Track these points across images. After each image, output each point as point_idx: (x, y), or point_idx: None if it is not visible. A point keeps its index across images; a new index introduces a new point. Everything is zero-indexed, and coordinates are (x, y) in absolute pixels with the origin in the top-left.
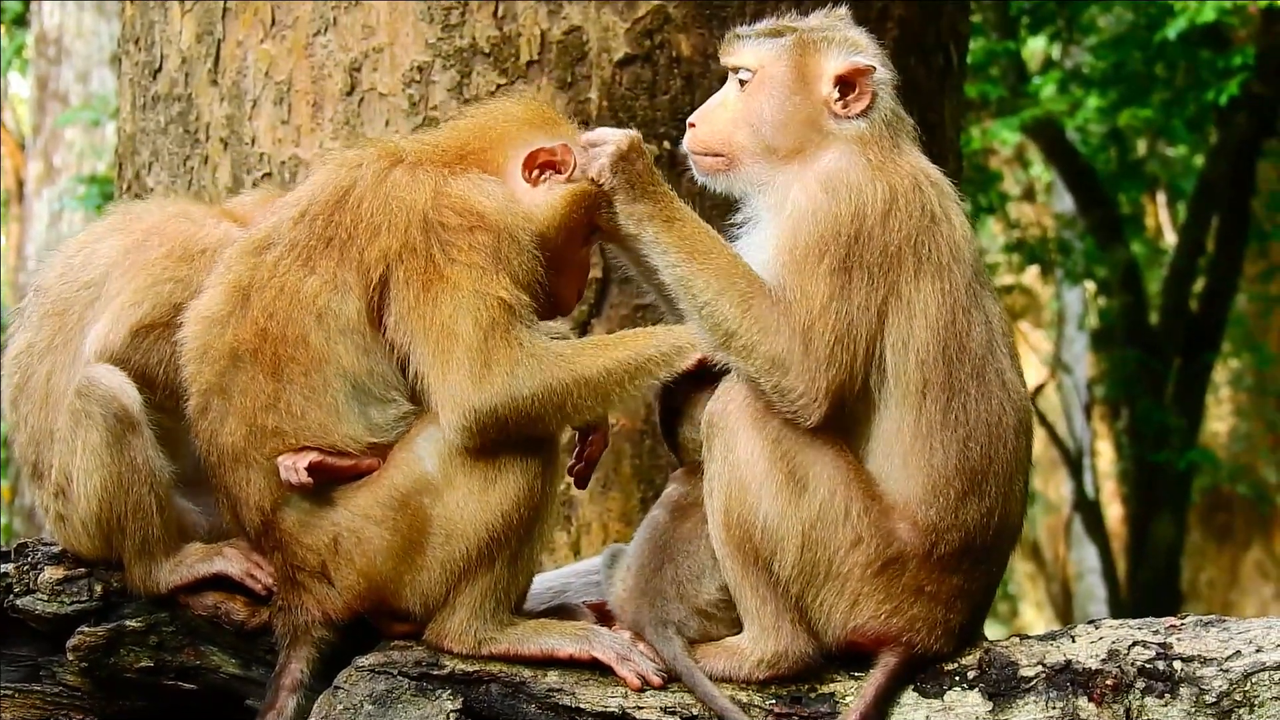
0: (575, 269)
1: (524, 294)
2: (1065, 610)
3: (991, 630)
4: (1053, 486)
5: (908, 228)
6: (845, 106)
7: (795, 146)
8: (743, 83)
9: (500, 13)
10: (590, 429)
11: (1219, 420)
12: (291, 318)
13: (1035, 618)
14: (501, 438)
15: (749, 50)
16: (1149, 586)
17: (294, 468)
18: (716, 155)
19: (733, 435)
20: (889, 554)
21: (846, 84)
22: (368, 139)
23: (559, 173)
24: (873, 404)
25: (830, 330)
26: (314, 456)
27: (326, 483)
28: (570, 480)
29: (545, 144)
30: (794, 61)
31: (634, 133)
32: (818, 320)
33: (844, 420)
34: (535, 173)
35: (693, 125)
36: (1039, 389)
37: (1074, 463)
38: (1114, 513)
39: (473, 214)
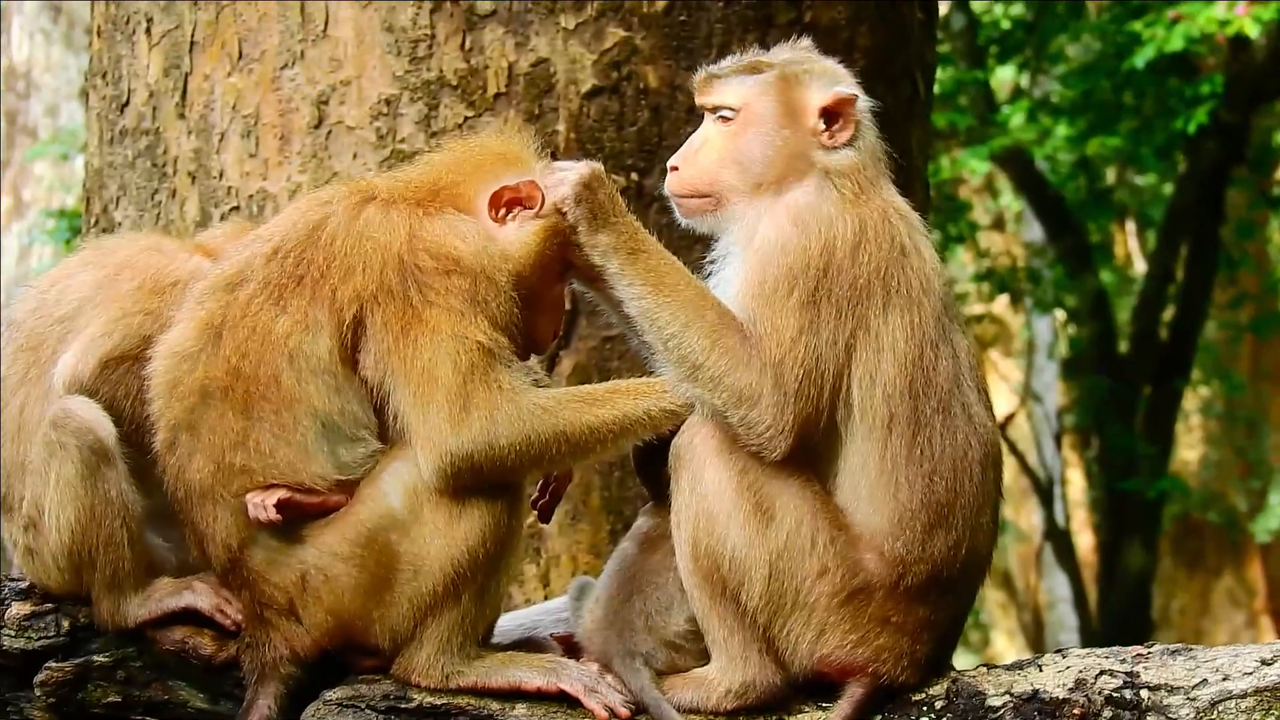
0: (550, 307)
1: (502, 336)
2: (1037, 639)
3: (963, 659)
4: (1023, 515)
5: (877, 260)
6: (831, 137)
7: (780, 180)
8: (725, 120)
9: (467, 45)
10: None
11: (1189, 448)
12: (264, 358)
13: (1007, 646)
14: (475, 483)
15: (729, 88)
16: (1120, 615)
17: (263, 505)
18: (704, 196)
19: (700, 467)
20: (855, 584)
21: (831, 115)
22: (341, 178)
23: (527, 208)
24: (839, 437)
25: (799, 364)
26: (282, 494)
27: (294, 520)
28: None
29: (510, 181)
30: (778, 96)
31: (595, 163)
32: (788, 354)
33: (810, 453)
34: (502, 211)
35: (675, 169)
36: (1009, 418)
37: (1044, 491)
38: (1085, 541)
39: (448, 258)
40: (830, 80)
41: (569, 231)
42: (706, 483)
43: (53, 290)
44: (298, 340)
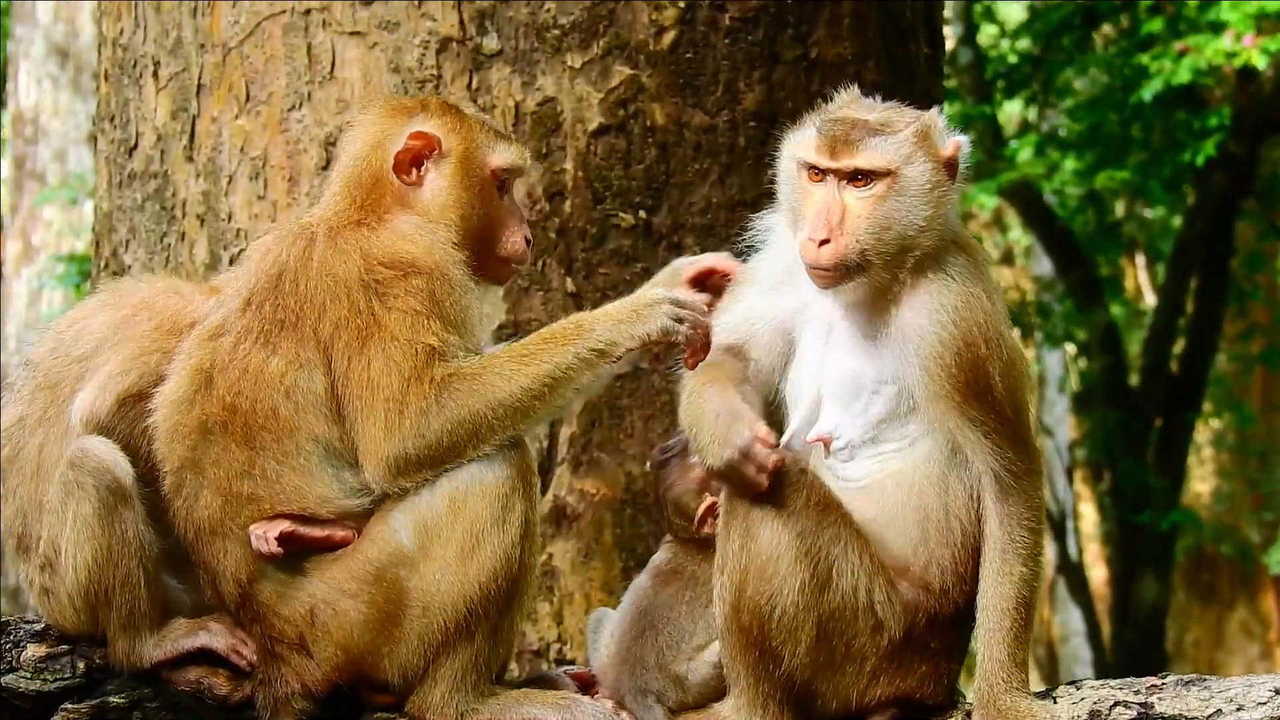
0: (506, 220)
1: (454, 335)
2: (1051, 672)
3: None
4: None
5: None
6: (946, 195)
7: (933, 243)
8: (863, 184)
9: (474, 84)
10: None
11: (1201, 480)
12: (259, 396)
13: None
14: (422, 475)
15: (875, 150)
16: (1134, 648)
17: (264, 537)
18: (857, 268)
19: (755, 523)
20: (907, 627)
21: (952, 166)
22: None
23: (431, 152)
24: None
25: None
26: (285, 526)
27: (300, 553)
28: (551, 552)
29: (397, 146)
30: (925, 154)
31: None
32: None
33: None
34: (415, 173)
35: (824, 242)
36: None
37: (1057, 525)
38: (1098, 574)
39: (403, 262)
40: (940, 129)
41: (474, 147)
42: (761, 541)
43: (70, 330)
44: (293, 378)
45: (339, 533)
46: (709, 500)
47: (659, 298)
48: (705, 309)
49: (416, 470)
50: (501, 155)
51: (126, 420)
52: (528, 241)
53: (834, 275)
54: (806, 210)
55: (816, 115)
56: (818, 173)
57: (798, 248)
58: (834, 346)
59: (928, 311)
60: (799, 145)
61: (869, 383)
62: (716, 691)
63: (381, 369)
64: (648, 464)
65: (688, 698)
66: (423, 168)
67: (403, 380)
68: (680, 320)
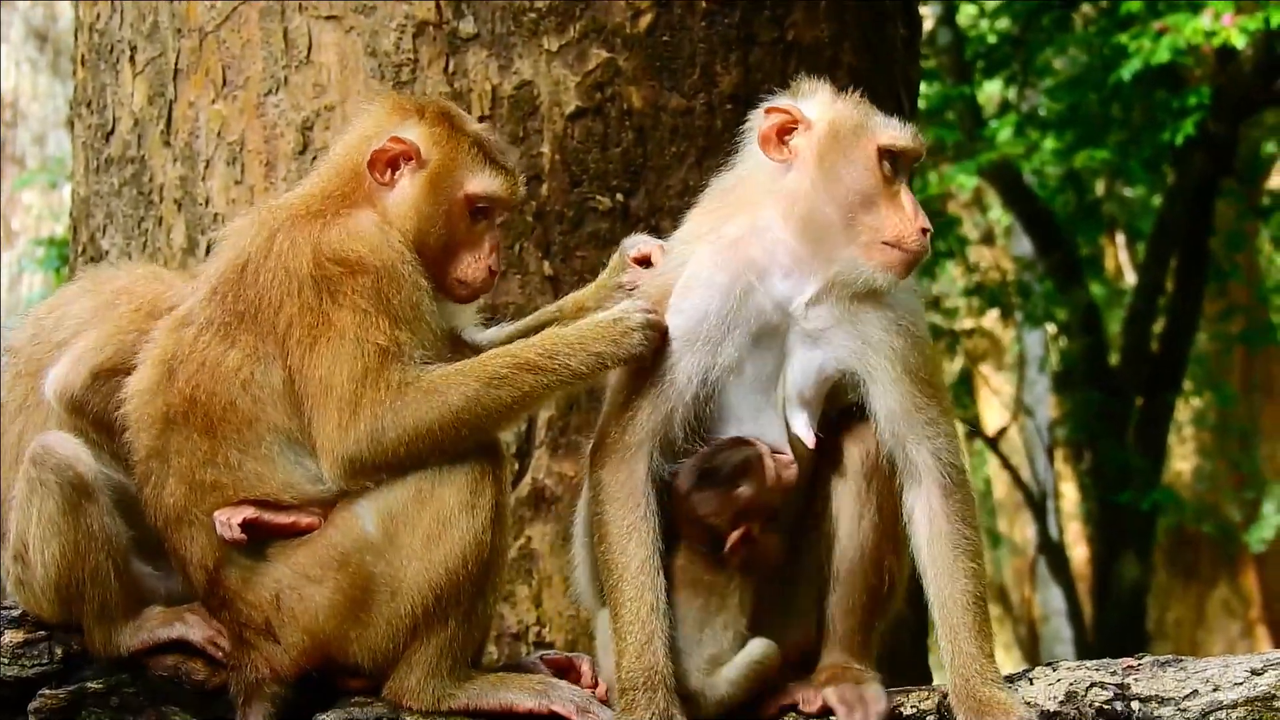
0: (471, 244)
1: (404, 332)
2: (1032, 652)
3: None
4: (1017, 529)
5: None
6: None
7: None
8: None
9: (451, 68)
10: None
11: (1183, 460)
12: (216, 390)
13: (1003, 660)
14: (377, 478)
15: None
16: (1115, 627)
17: (228, 523)
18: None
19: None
20: None
21: None
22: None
23: (406, 160)
24: None
25: None
26: (249, 512)
27: (265, 539)
28: (530, 535)
29: (379, 144)
30: None
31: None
32: None
33: None
34: (389, 173)
35: (929, 230)
36: (1001, 432)
37: (1038, 505)
38: (1079, 554)
39: (350, 260)
40: None
41: (457, 168)
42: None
43: (50, 317)
44: (250, 370)
45: (304, 519)
46: (744, 529)
47: (635, 323)
48: (663, 324)
49: (373, 473)
50: (480, 182)
51: (100, 395)
52: (491, 272)
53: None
54: (892, 198)
55: (850, 101)
56: (895, 165)
57: (893, 235)
58: (803, 347)
59: (888, 305)
60: (883, 132)
61: (830, 377)
62: (735, 705)
63: (332, 368)
64: (673, 476)
65: (706, 714)
66: (399, 171)
67: (355, 382)
68: (649, 343)
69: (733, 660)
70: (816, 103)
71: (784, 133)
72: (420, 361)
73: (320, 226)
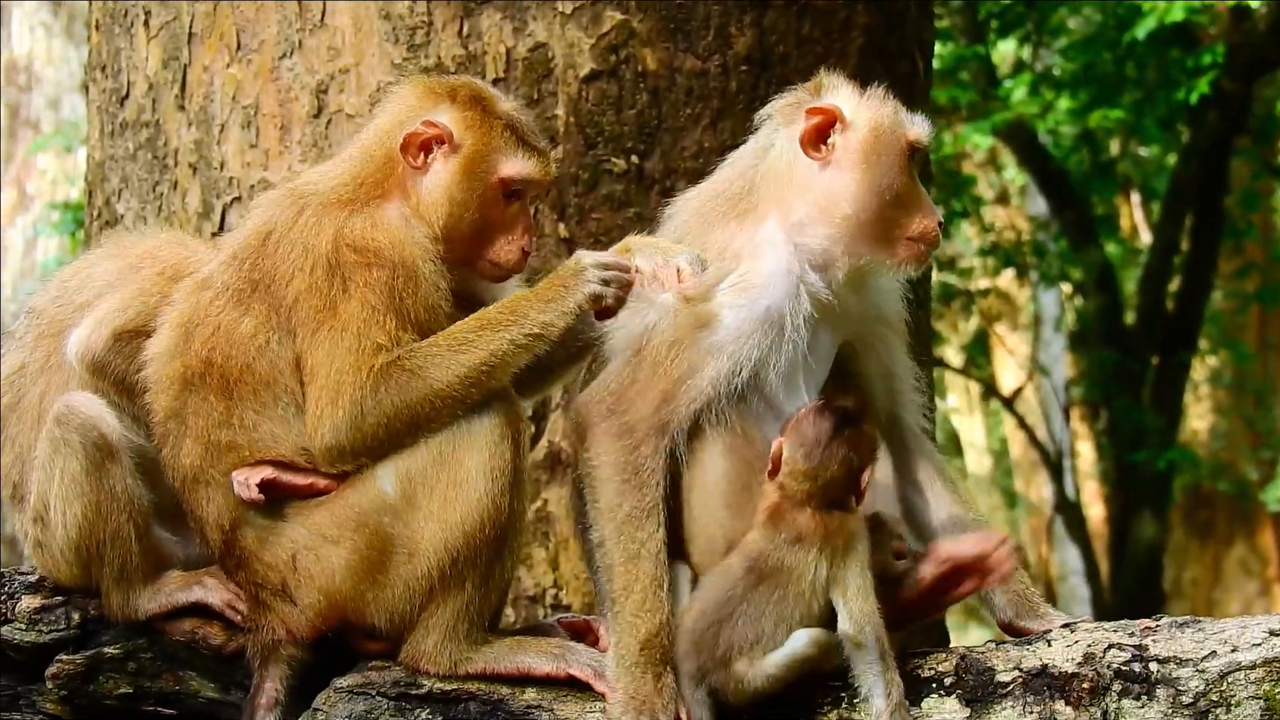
0: (505, 227)
1: (409, 334)
2: None
3: (975, 634)
4: (1034, 488)
5: None
6: None
7: None
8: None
9: (465, 31)
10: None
11: (1199, 418)
12: (232, 353)
13: None
14: (359, 461)
15: None
16: (1132, 586)
17: (246, 483)
18: None
19: None
20: None
21: None
22: (292, 177)
23: (440, 144)
24: None
25: None
26: (267, 473)
27: (282, 500)
28: (546, 498)
29: (412, 128)
30: None
31: None
32: None
33: None
34: (421, 158)
35: (943, 223)
36: (1017, 391)
37: (1054, 465)
38: (1096, 513)
39: (369, 250)
40: None
41: (495, 151)
42: None
43: (74, 279)
44: (265, 338)
45: (321, 480)
46: (869, 469)
47: (582, 264)
48: (628, 266)
49: (353, 459)
50: (514, 165)
51: (123, 356)
52: (525, 253)
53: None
54: (915, 194)
55: (879, 99)
56: (916, 159)
57: (918, 231)
58: (824, 329)
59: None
60: (910, 129)
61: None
62: (766, 699)
63: (326, 356)
64: (814, 425)
65: (737, 700)
66: (431, 155)
67: (340, 372)
68: (607, 283)
69: (777, 653)
70: (852, 101)
71: (823, 132)
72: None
73: (348, 213)
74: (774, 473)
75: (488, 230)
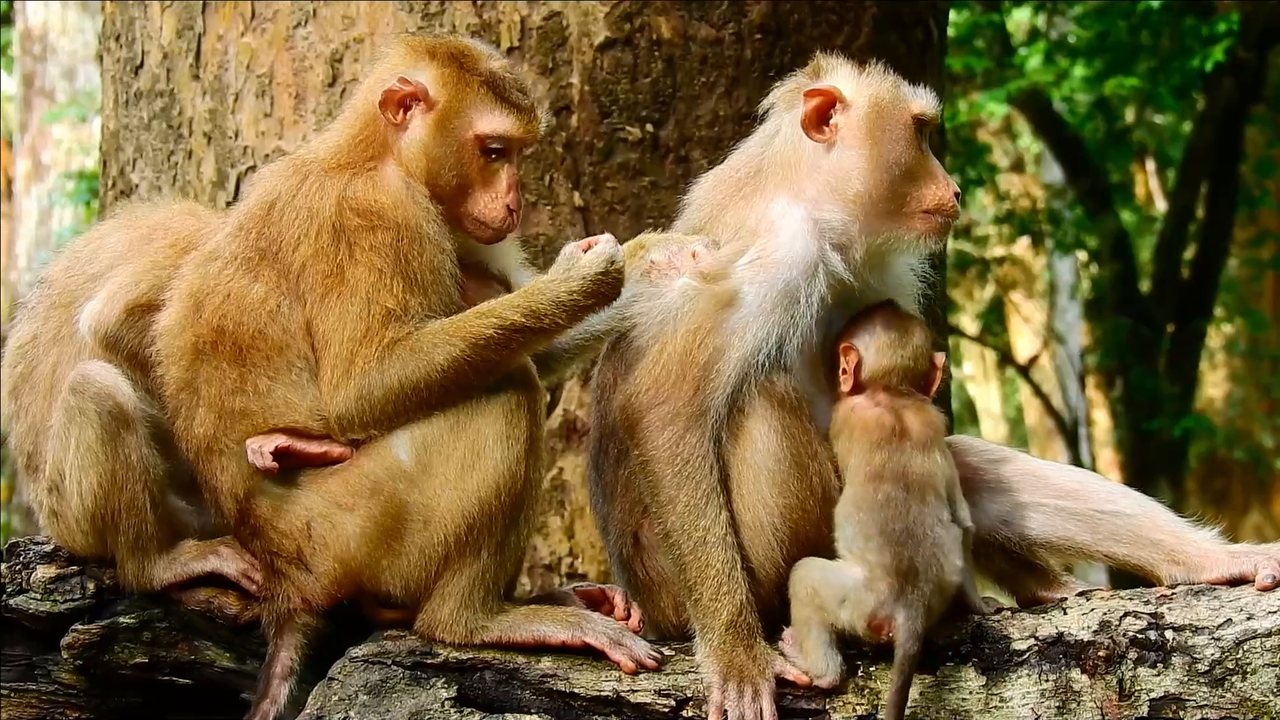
0: (486, 187)
1: (416, 297)
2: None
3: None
4: (1050, 456)
5: None
6: None
7: None
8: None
9: (479, 0)
10: None
11: (1214, 386)
12: (243, 319)
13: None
14: (376, 432)
15: None
16: None
17: (260, 450)
18: None
19: None
20: None
21: None
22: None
23: (417, 100)
24: None
25: None
26: (281, 441)
27: (297, 468)
28: (562, 466)
29: (390, 85)
30: None
31: None
32: None
33: None
34: (400, 114)
35: (959, 193)
36: (1033, 359)
37: (1070, 432)
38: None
39: (372, 213)
40: None
41: (470, 106)
42: None
43: (86, 249)
44: (275, 303)
45: (336, 449)
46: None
47: (604, 253)
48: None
49: (361, 429)
50: (490, 122)
51: (135, 330)
52: (510, 210)
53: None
54: (926, 167)
55: (879, 76)
56: (924, 132)
57: (933, 203)
58: (840, 305)
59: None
60: (914, 102)
61: None
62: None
63: (337, 323)
64: (886, 321)
65: (941, 607)
66: (410, 112)
67: (353, 341)
68: (604, 276)
69: (953, 553)
70: (851, 80)
71: (824, 113)
72: (422, 319)
73: (349, 176)
74: (857, 386)
75: (469, 188)
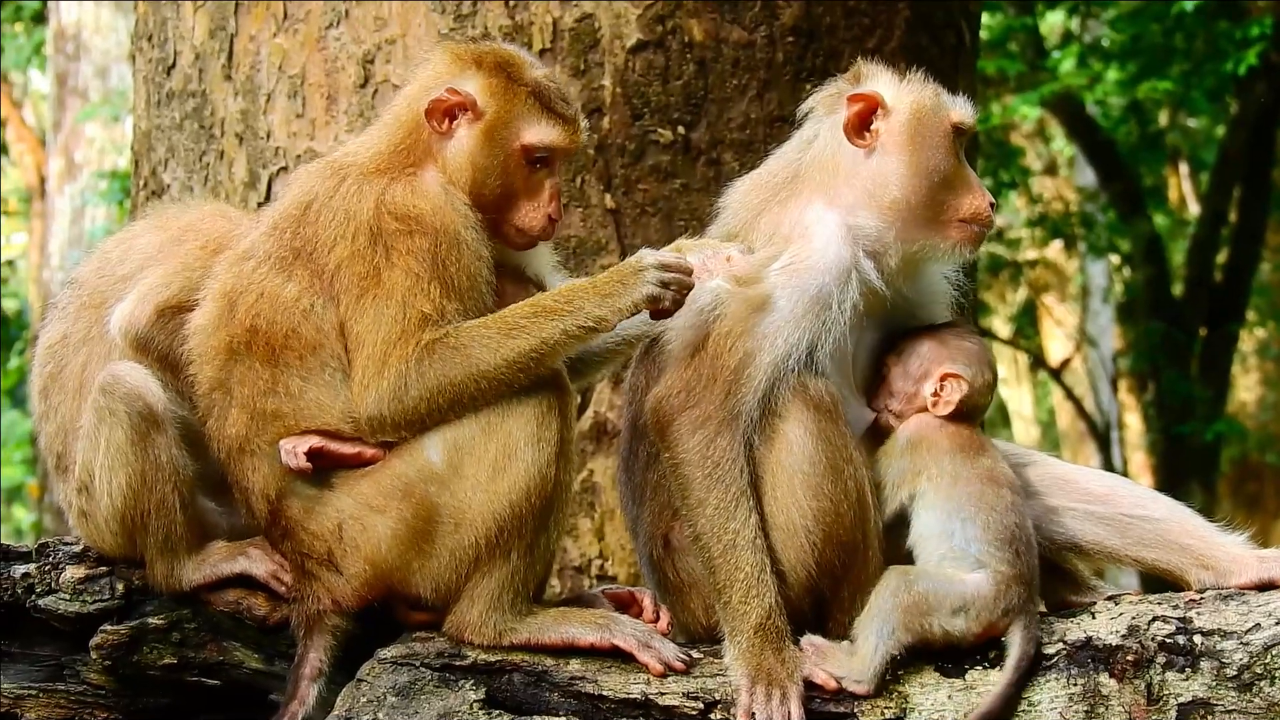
0: (530, 193)
1: (453, 302)
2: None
3: None
4: (1081, 459)
5: None
6: None
7: None
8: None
9: (512, 1)
10: None
11: (1246, 390)
12: (276, 318)
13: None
14: (399, 434)
15: None
16: None
17: (294, 451)
18: None
19: None
20: None
21: None
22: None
23: (462, 111)
24: None
25: None
26: (315, 441)
27: (329, 469)
28: (592, 468)
29: (437, 94)
30: None
31: None
32: None
33: None
34: (445, 123)
35: (995, 204)
36: (1065, 363)
37: (1102, 436)
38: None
39: (410, 218)
40: None
41: (515, 118)
42: None
43: (117, 250)
44: (309, 302)
45: (368, 450)
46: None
47: (644, 263)
48: (690, 269)
49: (393, 431)
50: (537, 132)
51: (166, 331)
52: (551, 220)
53: None
54: (963, 176)
55: (919, 83)
56: (961, 140)
57: (969, 212)
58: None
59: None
60: (954, 111)
61: None
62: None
63: (371, 325)
64: (966, 343)
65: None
66: (456, 121)
67: (387, 343)
68: (666, 285)
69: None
70: (893, 87)
71: (865, 119)
72: (456, 324)
73: (388, 180)
74: (957, 411)
75: (513, 197)
